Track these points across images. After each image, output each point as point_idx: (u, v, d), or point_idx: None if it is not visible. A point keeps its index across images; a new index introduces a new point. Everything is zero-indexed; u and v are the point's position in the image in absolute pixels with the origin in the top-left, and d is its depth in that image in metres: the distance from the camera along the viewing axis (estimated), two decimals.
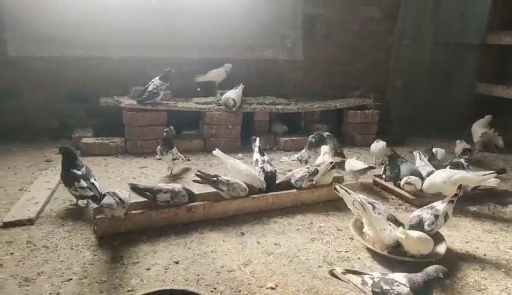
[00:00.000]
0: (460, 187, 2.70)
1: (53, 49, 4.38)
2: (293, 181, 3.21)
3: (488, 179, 3.18)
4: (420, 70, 5.84)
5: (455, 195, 2.62)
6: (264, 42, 5.13)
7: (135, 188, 2.73)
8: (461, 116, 5.84)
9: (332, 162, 3.31)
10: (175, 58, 4.79)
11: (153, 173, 3.76)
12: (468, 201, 3.35)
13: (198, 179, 2.93)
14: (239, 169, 3.13)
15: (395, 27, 5.63)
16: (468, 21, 5.88)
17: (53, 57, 4.42)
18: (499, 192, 3.57)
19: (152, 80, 4.31)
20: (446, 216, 2.56)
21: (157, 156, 4.15)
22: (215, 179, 2.88)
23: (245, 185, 2.98)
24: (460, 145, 4.45)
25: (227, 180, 2.91)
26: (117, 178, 3.56)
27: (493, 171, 3.26)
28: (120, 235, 2.57)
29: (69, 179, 2.89)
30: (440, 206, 2.58)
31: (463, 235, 2.88)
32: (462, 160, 3.73)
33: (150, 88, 4.26)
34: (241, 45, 5.02)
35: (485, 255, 2.60)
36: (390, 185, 3.57)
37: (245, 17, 4.92)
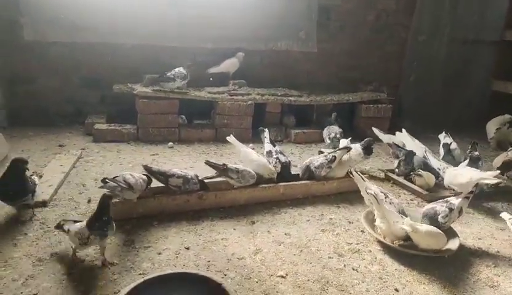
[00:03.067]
0: (476, 185, 2.66)
1: (69, 35, 4.39)
2: (312, 168, 3.20)
3: (490, 179, 3.04)
4: (435, 66, 5.75)
5: (471, 192, 2.60)
6: (278, 33, 5.09)
7: (149, 170, 2.75)
8: (476, 113, 5.76)
9: (348, 147, 3.28)
10: (188, 47, 4.79)
11: (164, 160, 3.78)
12: (481, 199, 3.31)
13: (209, 167, 2.94)
14: (251, 158, 3.12)
15: (411, 21, 5.54)
16: (486, 18, 5.76)
17: (68, 43, 4.44)
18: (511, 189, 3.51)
19: (176, 69, 4.36)
20: (460, 211, 2.54)
21: (170, 144, 4.18)
22: (225, 167, 2.88)
23: (254, 172, 2.97)
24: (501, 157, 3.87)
25: (236, 168, 2.91)
26: (129, 164, 3.59)
27: (498, 172, 3.14)
28: (132, 219, 2.59)
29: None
30: (455, 200, 2.56)
31: (476, 231, 2.84)
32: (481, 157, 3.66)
33: (168, 73, 4.31)
34: (254, 36, 4.99)
35: (498, 252, 2.57)
36: (402, 180, 3.53)
37: (258, 8, 4.88)
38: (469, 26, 5.74)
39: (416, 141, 3.94)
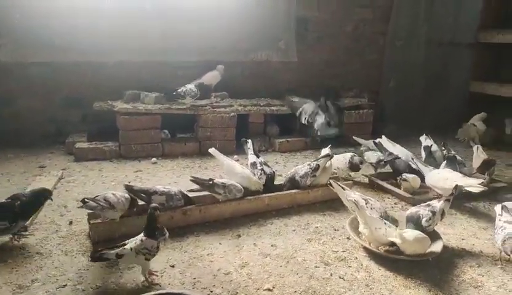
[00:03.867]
0: (456, 187, 2.71)
1: (48, 55, 4.36)
2: (297, 178, 3.21)
3: (474, 186, 3.09)
4: (413, 70, 5.87)
5: (451, 194, 2.65)
6: (258, 44, 5.14)
7: (130, 189, 2.72)
8: (456, 114, 5.87)
9: (329, 155, 3.31)
10: (170, 62, 4.79)
11: (148, 176, 3.74)
12: (463, 199, 3.36)
13: (193, 188, 2.93)
14: (235, 171, 3.12)
15: (388, 28, 5.65)
16: (461, 20, 5.92)
17: (48, 62, 4.40)
18: (493, 189, 3.57)
19: (188, 85, 4.45)
20: (443, 213, 2.59)
21: (153, 159, 4.15)
22: (210, 182, 2.87)
23: (240, 186, 2.97)
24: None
25: (222, 182, 2.90)
26: (112, 182, 3.54)
27: (482, 181, 3.20)
28: (116, 239, 2.54)
29: None
30: (437, 203, 2.60)
31: (459, 232, 2.88)
32: (457, 156, 3.75)
33: (179, 89, 4.39)
34: (235, 47, 5.02)
35: (481, 252, 2.60)
36: (386, 184, 3.57)
37: (238, 20, 4.92)
38: (444, 28, 5.89)
39: (398, 145, 3.99)
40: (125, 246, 2.14)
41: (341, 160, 3.66)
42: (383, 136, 4.21)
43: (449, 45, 5.94)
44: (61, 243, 2.55)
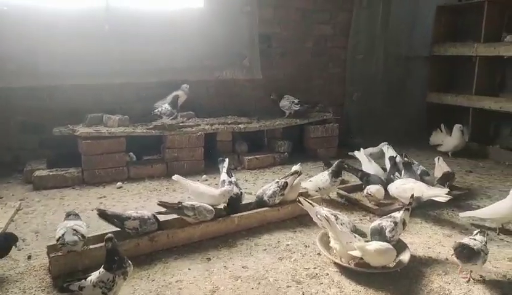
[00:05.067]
0: (412, 196, 2.80)
1: (2, 80, 4.15)
2: (266, 199, 3.19)
3: (440, 195, 3.21)
4: (374, 83, 6.07)
5: (409, 204, 2.74)
6: (223, 62, 5.14)
7: (102, 214, 2.63)
8: (416, 125, 6.11)
9: (298, 172, 3.32)
10: (132, 83, 4.70)
11: (113, 202, 3.61)
12: (427, 207, 3.46)
13: (162, 210, 2.84)
14: (199, 191, 3.08)
15: (348, 43, 5.84)
16: (416, 35, 6.21)
17: (2, 88, 4.19)
18: (455, 196, 3.71)
19: (161, 105, 4.43)
20: (404, 223, 2.65)
21: (118, 184, 4.02)
22: (179, 206, 2.80)
23: (211, 207, 2.91)
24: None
25: (192, 205, 2.84)
26: (74, 211, 3.37)
27: (447, 189, 3.33)
28: (78, 272, 2.42)
29: None
30: (397, 214, 2.67)
31: (425, 240, 2.95)
32: (415, 162, 3.92)
33: (155, 111, 4.35)
34: (199, 66, 5.00)
35: (447, 259, 2.66)
36: (354, 196, 3.63)
37: (201, 39, 4.92)
38: (401, 43, 6.15)
39: (373, 162, 4.09)
40: (87, 278, 2.07)
41: (320, 179, 3.58)
42: (361, 149, 4.28)
43: (406, 59, 6.20)
44: (19, 280, 2.39)
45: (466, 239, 2.41)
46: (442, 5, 6.07)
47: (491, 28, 5.43)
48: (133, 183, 4.10)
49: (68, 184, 3.95)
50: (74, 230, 2.41)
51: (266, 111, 5.35)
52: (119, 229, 2.64)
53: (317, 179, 3.60)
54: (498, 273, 2.51)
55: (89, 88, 4.51)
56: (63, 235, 2.38)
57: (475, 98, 5.52)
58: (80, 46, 4.37)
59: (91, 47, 4.41)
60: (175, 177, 3.25)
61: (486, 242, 2.40)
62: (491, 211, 3.09)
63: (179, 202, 2.86)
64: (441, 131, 5.52)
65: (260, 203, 3.19)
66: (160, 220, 2.79)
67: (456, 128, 5.23)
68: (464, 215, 3.18)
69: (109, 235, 2.16)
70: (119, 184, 4.02)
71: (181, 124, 4.56)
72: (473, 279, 2.41)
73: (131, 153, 4.41)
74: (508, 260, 2.65)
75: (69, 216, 2.59)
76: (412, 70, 6.29)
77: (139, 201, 3.66)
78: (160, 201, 2.89)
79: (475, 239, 2.39)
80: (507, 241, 2.93)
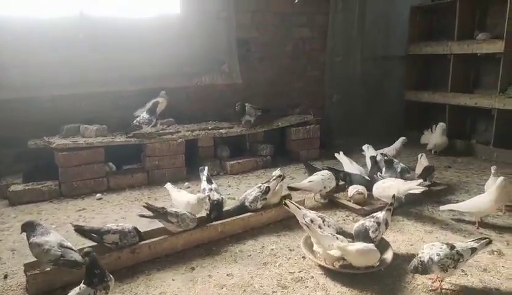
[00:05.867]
0: (394, 196, 2.82)
1: None
2: (247, 204, 3.17)
3: (415, 188, 3.26)
4: (353, 84, 6.13)
5: (391, 204, 2.76)
6: (202, 68, 5.11)
7: (79, 230, 2.56)
8: (395, 123, 6.21)
9: (281, 175, 3.31)
10: (110, 92, 4.60)
11: (93, 214, 3.52)
12: (409, 204, 3.51)
13: (144, 214, 2.79)
14: (180, 199, 3.07)
15: (326, 45, 5.89)
16: (392, 35, 6.33)
17: None
18: (435, 192, 3.78)
19: (139, 114, 4.35)
20: (387, 223, 2.68)
21: (97, 196, 3.93)
22: (164, 211, 2.75)
23: (194, 216, 2.87)
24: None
25: (175, 211, 2.79)
26: (53, 225, 3.27)
27: (422, 181, 3.39)
28: (57, 290, 2.34)
29: None
30: (380, 214, 2.69)
31: (407, 238, 2.98)
32: (395, 160, 3.98)
33: (134, 122, 4.26)
34: (178, 73, 4.95)
35: None
36: (337, 197, 3.65)
37: (179, 45, 4.87)
38: (377, 44, 6.25)
39: (354, 163, 4.13)
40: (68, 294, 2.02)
41: (322, 178, 3.58)
42: (341, 152, 4.30)
43: (383, 59, 6.30)
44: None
45: (421, 253, 2.29)
46: (416, 6, 6.20)
47: (463, 27, 5.57)
48: (113, 194, 4.02)
49: (45, 197, 3.83)
50: (68, 248, 2.33)
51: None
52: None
53: (399, 183, 3.41)
54: (479, 266, 2.55)
55: (66, 98, 4.41)
56: (61, 255, 2.29)
57: (450, 95, 5.65)
58: (55, 56, 4.27)
59: (66, 57, 4.32)
60: (167, 185, 3.31)
61: (453, 255, 2.23)
62: (470, 205, 3.15)
63: (163, 207, 2.81)
64: (431, 132, 5.55)
65: (241, 208, 3.16)
66: (142, 231, 2.74)
67: (439, 126, 5.31)
68: (444, 208, 3.23)
69: (87, 249, 2.11)
70: (98, 195, 3.93)
71: (161, 131, 4.51)
72: (442, 289, 2.32)
73: (110, 163, 4.32)
74: (488, 254, 2.71)
75: (33, 229, 2.37)
76: (389, 70, 6.39)
77: (119, 212, 3.58)
78: (146, 203, 2.85)
79: (424, 252, 2.28)
80: (486, 235, 2.97)
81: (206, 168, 3.49)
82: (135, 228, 2.68)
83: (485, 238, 2.36)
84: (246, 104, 4.88)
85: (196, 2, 4.96)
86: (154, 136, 4.37)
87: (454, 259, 2.22)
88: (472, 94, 5.54)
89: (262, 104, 5.53)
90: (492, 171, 3.48)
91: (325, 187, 3.59)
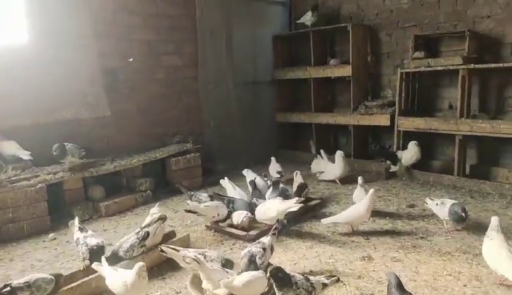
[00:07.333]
0: (278, 220, 2.91)
1: None
2: (121, 254, 2.86)
3: (293, 206, 3.40)
4: (228, 109, 6.29)
5: (275, 228, 2.81)
6: (63, 102, 4.56)
7: None
8: (271, 144, 6.57)
9: (162, 217, 3.10)
10: None
11: None
12: (290, 223, 3.66)
13: None
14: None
15: (198, 73, 5.93)
16: (258, 63, 6.73)
17: None
18: (311, 207, 4.04)
19: None
20: (272, 248, 2.72)
21: None
22: (8, 288, 2.26)
23: (50, 277, 2.44)
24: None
25: (25, 282, 2.32)
26: None
27: (298, 198, 3.62)
28: None
29: None
30: (265, 239, 2.73)
31: (291, 257, 3.09)
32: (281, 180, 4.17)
33: None
34: (33, 109, 4.32)
35: (311, 271, 2.83)
36: (222, 226, 3.60)
37: (33, 79, 4.29)
38: (246, 71, 6.55)
39: (237, 188, 4.14)
40: None
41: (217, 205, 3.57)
42: (226, 178, 4.28)
43: (253, 84, 6.64)
44: None
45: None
46: (276, 35, 6.75)
47: (318, 53, 6.29)
48: None
49: None
50: None
51: (121, 149, 4.96)
52: None
53: (277, 203, 3.46)
54: (354, 274, 2.77)
55: None
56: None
57: (314, 115, 6.26)
58: None
59: None
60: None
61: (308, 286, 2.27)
62: (347, 215, 3.42)
63: (5, 285, 2.30)
64: (322, 158, 5.30)
65: (115, 259, 2.83)
66: None
67: (338, 154, 4.95)
68: (326, 221, 3.44)
69: None
70: None
71: (13, 178, 3.83)
72: None
73: None
74: (360, 260, 2.97)
75: None
76: (259, 94, 6.76)
77: None
78: None
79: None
80: (357, 242, 3.28)
81: (76, 219, 3.11)
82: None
83: (334, 276, 2.45)
84: (66, 144, 4.14)
85: (47, 30, 4.44)
86: (4, 184, 3.69)
87: (308, 291, 2.25)
88: (333, 113, 6.23)
89: (137, 135, 5.25)
90: (359, 182, 3.89)
91: (218, 214, 3.55)
